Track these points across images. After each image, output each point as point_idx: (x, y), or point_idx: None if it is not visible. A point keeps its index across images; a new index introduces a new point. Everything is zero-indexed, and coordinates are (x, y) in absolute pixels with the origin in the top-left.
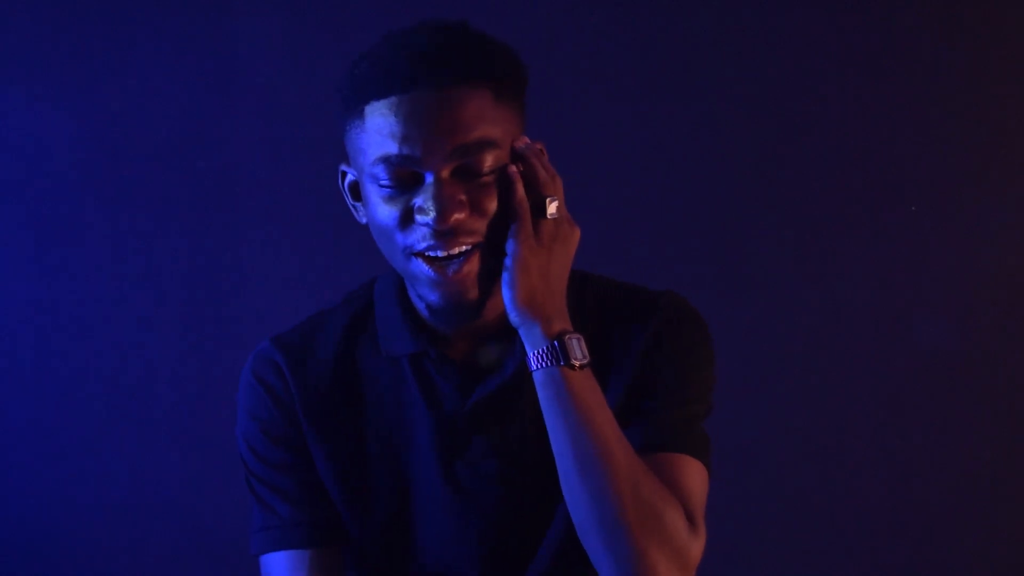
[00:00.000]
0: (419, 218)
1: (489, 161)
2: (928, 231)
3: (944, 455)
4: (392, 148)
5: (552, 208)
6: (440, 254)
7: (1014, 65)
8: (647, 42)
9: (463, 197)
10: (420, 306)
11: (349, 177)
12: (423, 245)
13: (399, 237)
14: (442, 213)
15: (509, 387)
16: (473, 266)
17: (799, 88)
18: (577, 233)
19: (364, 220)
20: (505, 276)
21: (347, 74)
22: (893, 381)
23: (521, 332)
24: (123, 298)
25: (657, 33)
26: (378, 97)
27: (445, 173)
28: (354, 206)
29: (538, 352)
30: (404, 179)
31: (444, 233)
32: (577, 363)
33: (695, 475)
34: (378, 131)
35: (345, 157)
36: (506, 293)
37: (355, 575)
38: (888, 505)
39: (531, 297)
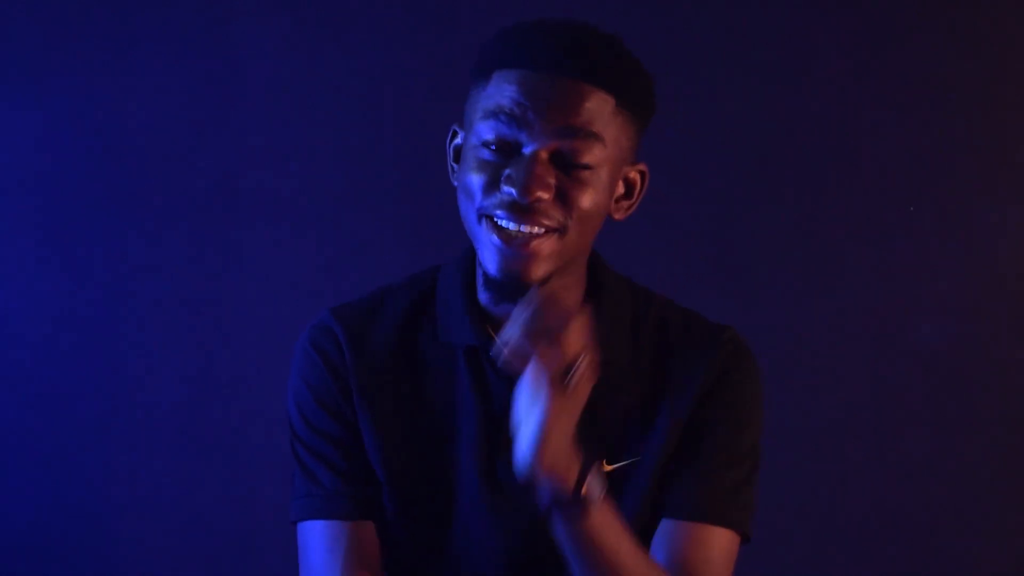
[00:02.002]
0: (504, 187)
1: (591, 155)
2: (928, 231)
3: (944, 455)
4: (505, 105)
5: (585, 365)
6: (511, 227)
7: (1014, 65)
8: (646, 41)
9: (552, 181)
10: (483, 296)
11: (457, 140)
12: (498, 210)
13: (479, 198)
14: (527, 186)
15: None
16: (544, 247)
17: (799, 88)
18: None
19: (456, 183)
20: (531, 439)
21: (487, 41)
22: (893, 381)
23: (535, 487)
24: (123, 298)
25: (656, 32)
26: (508, 67)
27: (544, 154)
28: (452, 166)
29: (555, 501)
30: (504, 147)
31: (523, 208)
32: (596, 504)
33: (724, 547)
34: (497, 92)
35: (460, 120)
36: (527, 455)
37: (388, 556)
38: (887, 505)
39: (555, 461)
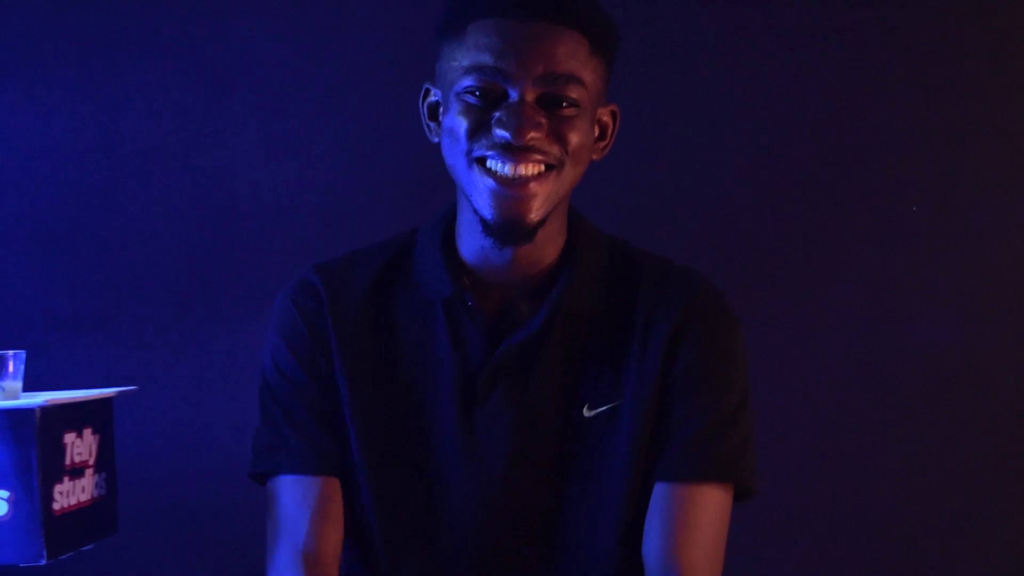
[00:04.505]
0: (496, 130)
1: (575, 94)
2: (928, 231)
3: (944, 455)
4: (487, 59)
5: None
6: (507, 170)
7: (1014, 65)
8: (646, 41)
9: (543, 120)
10: (464, 250)
11: (431, 97)
12: (489, 151)
13: (467, 143)
14: (520, 128)
15: (535, 341)
16: (542, 187)
17: (799, 88)
18: None
19: (436, 139)
20: None
21: None
22: (893, 381)
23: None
24: (120, 298)
25: (658, 30)
26: (483, 17)
27: (530, 96)
28: (428, 125)
29: None
30: (489, 94)
31: (517, 149)
32: None
33: (715, 505)
34: (476, 45)
35: (431, 77)
36: None
37: (364, 509)
38: (888, 505)
39: None
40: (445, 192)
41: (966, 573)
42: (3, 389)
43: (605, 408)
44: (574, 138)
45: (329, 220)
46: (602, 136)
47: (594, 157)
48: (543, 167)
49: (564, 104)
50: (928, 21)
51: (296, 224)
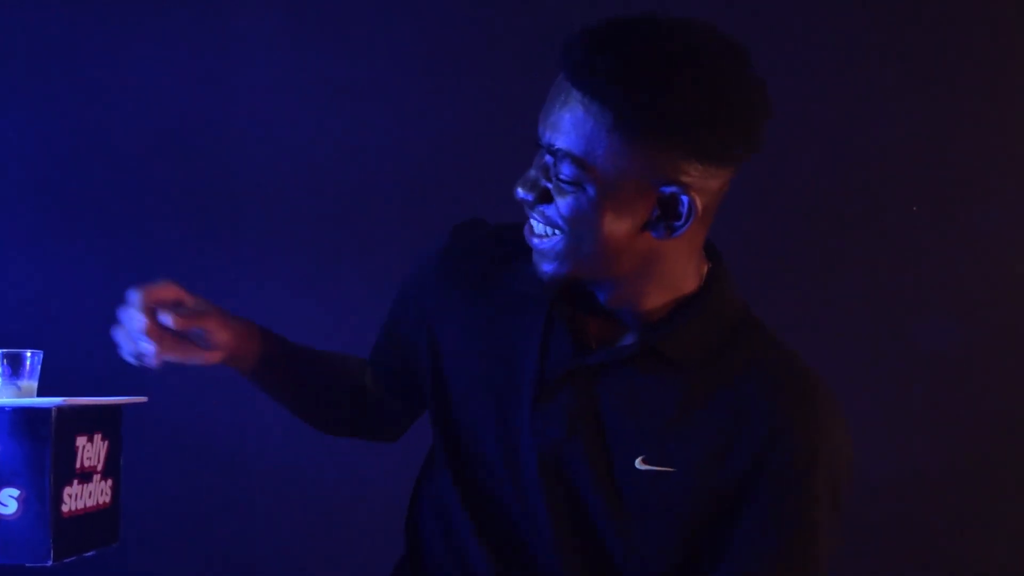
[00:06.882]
0: None
1: (565, 172)
2: (928, 231)
3: (944, 455)
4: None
5: None
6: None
7: (1014, 65)
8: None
9: (541, 183)
10: None
11: None
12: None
13: None
14: (519, 181)
15: (612, 369)
16: (546, 244)
17: (799, 88)
18: None
19: None
20: None
21: None
22: (893, 381)
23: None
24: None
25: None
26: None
27: (545, 158)
28: None
29: None
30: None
31: (525, 205)
32: None
33: None
34: None
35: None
36: None
37: (445, 468)
38: (888, 505)
39: None
40: (442, 192)
41: (966, 572)
42: (19, 387)
43: (657, 469)
44: (564, 208)
45: (330, 219)
46: (669, 215)
47: (660, 237)
48: (547, 229)
49: (559, 175)
50: (928, 21)
51: (298, 225)
